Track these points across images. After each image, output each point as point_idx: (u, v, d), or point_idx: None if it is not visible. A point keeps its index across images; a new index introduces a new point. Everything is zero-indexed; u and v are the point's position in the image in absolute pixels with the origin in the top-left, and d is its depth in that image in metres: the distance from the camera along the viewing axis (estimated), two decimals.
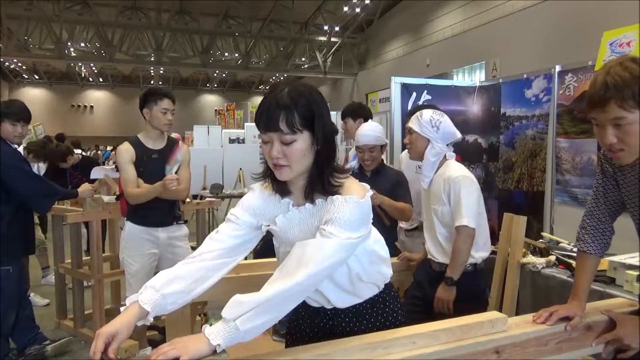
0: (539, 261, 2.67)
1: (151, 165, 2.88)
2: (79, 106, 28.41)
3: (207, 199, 5.01)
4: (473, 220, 2.14)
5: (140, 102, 2.90)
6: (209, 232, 1.35)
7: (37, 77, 26.32)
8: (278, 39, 19.06)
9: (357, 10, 15.65)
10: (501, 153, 4.05)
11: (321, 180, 1.24)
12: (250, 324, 1.08)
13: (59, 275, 3.91)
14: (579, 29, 8.05)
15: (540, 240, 3.12)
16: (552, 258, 2.70)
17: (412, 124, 2.29)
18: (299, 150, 1.20)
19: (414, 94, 4.10)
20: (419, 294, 2.36)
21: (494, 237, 3.17)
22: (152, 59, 19.17)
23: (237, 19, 18.05)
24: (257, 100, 24.32)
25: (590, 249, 1.55)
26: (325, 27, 17.60)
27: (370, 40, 18.46)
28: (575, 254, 2.06)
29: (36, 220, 4.54)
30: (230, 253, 1.30)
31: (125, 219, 3.03)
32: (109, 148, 19.54)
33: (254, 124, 1.25)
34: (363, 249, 1.29)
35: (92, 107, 28.68)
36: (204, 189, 6.67)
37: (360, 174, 2.71)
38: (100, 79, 27.40)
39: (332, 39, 18.05)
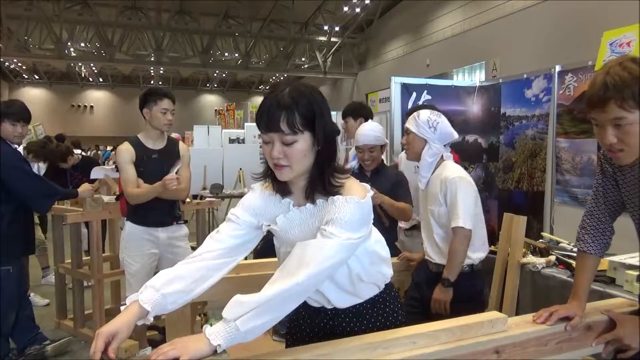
0: (539, 261, 2.67)
1: (151, 165, 2.88)
2: (79, 106, 28.41)
3: (207, 199, 5.01)
4: (469, 222, 2.14)
5: (140, 102, 2.90)
6: (209, 232, 1.35)
7: (37, 77, 26.32)
8: (278, 39, 19.06)
9: (357, 10, 15.65)
10: (501, 153, 4.05)
11: (322, 181, 1.24)
12: (251, 324, 1.08)
13: (59, 275, 3.91)
14: (579, 29, 8.05)
15: (540, 240, 3.12)
16: (552, 258, 2.70)
17: (410, 124, 2.29)
18: (300, 150, 1.20)
19: (414, 94, 4.10)
20: (417, 295, 2.36)
21: (494, 237, 3.17)
22: (152, 59, 19.17)
23: (237, 19, 18.06)
24: (257, 100, 24.33)
25: (590, 249, 1.55)
26: (325, 27, 17.60)
27: (370, 40, 18.46)
28: (575, 254, 2.06)
29: (36, 220, 4.54)
30: (231, 253, 1.30)
31: (125, 219, 3.03)
32: (109, 148, 19.53)
33: (254, 124, 1.26)
34: (364, 249, 1.29)
35: (92, 107, 28.68)
36: (204, 189, 6.67)
37: (360, 174, 2.71)
38: (100, 79, 27.39)
39: (332, 39, 18.05)
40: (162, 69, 22.60)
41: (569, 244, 2.89)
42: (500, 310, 2.58)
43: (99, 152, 18.89)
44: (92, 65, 22.99)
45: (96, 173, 4.37)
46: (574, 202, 3.45)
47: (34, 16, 15.79)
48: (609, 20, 5.57)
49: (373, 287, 1.38)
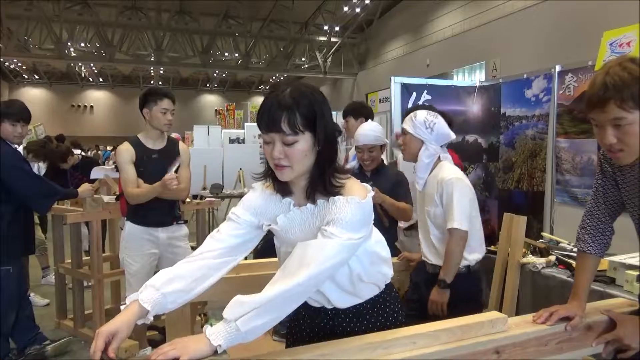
0: (539, 261, 2.67)
1: (151, 165, 2.88)
2: (79, 106, 28.42)
3: (207, 199, 5.01)
4: (465, 223, 2.13)
5: (140, 102, 2.90)
6: (209, 232, 1.35)
7: (37, 77, 26.33)
8: (278, 39, 19.07)
9: (357, 10, 15.66)
10: (501, 153, 4.05)
11: (322, 181, 1.24)
12: (252, 324, 1.08)
13: (59, 275, 3.90)
14: (579, 29, 8.06)
15: (540, 240, 3.12)
16: (552, 258, 2.70)
17: (406, 125, 2.28)
18: (301, 150, 1.20)
19: (414, 94, 4.10)
20: (415, 296, 2.36)
21: (494, 237, 3.17)
22: (152, 59, 19.18)
23: (237, 19, 18.06)
24: (257, 100, 24.33)
25: (590, 249, 1.55)
26: (325, 27, 17.61)
27: (370, 40, 18.46)
28: (575, 254, 2.06)
29: (36, 220, 4.54)
30: (231, 252, 1.30)
31: (125, 219, 3.03)
32: (109, 148, 19.52)
33: (254, 124, 1.26)
34: (364, 250, 1.29)
35: (92, 107, 28.69)
36: (204, 189, 6.67)
37: (360, 174, 2.71)
38: (100, 79, 27.40)
39: (332, 39, 18.06)
40: (162, 69, 22.61)
41: (569, 244, 2.89)
42: (500, 310, 2.59)
43: (99, 152, 18.88)
44: (92, 65, 23.00)
45: (96, 173, 4.37)
46: (574, 202, 3.45)
47: (34, 16, 15.80)
48: (609, 20, 5.57)
49: (373, 287, 1.38)
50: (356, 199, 1.20)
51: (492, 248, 3.08)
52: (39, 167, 5.13)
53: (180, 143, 3.13)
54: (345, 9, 15.75)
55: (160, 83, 25.26)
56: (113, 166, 5.20)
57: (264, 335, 1.44)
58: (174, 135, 4.54)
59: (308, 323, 1.42)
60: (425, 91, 4.13)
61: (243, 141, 8.04)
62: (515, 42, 10.04)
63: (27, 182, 2.97)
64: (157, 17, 17.37)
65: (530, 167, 3.78)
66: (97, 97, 28.90)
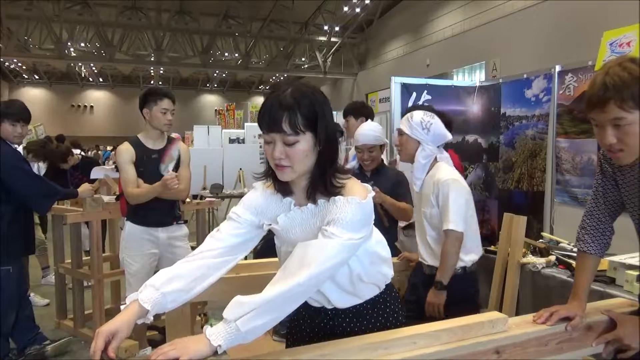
0: (539, 261, 2.67)
1: (151, 165, 2.88)
2: (79, 106, 28.42)
3: (207, 199, 5.01)
4: (461, 224, 2.13)
5: (140, 102, 2.90)
6: (209, 232, 1.35)
7: (37, 77, 26.32)
8: (278, 39, 19.07)
9: (357, 10, 15.66)
10: (501, 153, 4.05)
11: (323, 181, 1.24)
12: (252, 324, 1.08)
13: (59, 275, 3.90)
14: (579, 29, 8.06)
15: (540, 240, 3.12)
16: (552, 258, 2.70)
17: (403, 125, 2.28)
18: (302, 151, 1.20)
19: (414, 94, 4.10)
20: (413, 297, 2.35)
21: (494, 237, 3.17)
22: (152, 59, 19.18)
23: (237, 19, 18.06)
24: (257, 100, 24.35)
25: (590, 249, 1.55)
26: (325, 27, 17.61)
27: (370, 40, 18.46)
28: (575, 254, 2.06)
29: (36, 220, 4.54)
30: (231, 251, 1.30)
31: (125, 219, 3.03)
32: (109, 148, 19.53)
33: (254, 124, 1.26)
34: (364, 250, 1.29)
35: (92, 107, 28.69)
36: (204, 189, 6.67)
37: (360, 174, 2.70)
38: (100, 79, 27.40)
39: (332, 39, 18.07)
40: (162, 69, 22.61)
41: (569, 244, 2.89)
42: (500, 310, 2.59)
43: (99, 152, 18.89)
44: (92, 65, 23.01)
45: (96, 173, 4.37)
46: (574, 202, 3.45)
47: (34, 16, 15.80)
48: (609, 20, 5.57)
49: (373, 287, 1.38)
50: (357, 199, 1.20)
51: (492, 248, 3.08)
52: (39, 167, 5.13)
53: (181, 143, 3.13)
54: (345, 9, 15.76)
55: (160, 83, 25.25)
56: (113, 166, 5.21)
57: (264, 335, 1.44)
58: (174, 135, 4.54)
59: (308, 323, 1.42)
60: (425, 91, 4.13)
61: (243, 141, 8.03)
62: (515, 42, 10.04)
63: (27, 182, 2.97)
64: (157, 17, 17.37)
65: (530, 167, 3.79)
66: (97, 97, 28.90)
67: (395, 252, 2.62)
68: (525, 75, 3.90)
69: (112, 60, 18.61)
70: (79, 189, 3.47)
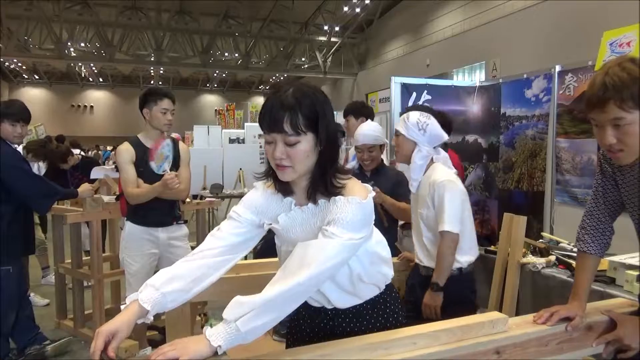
0: (539, 261, 2.67)
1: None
2: (79, 106, 28.43)
3: (207, 199, 5.01)
4: (456, 226, 2.12)
5: (140, 102, 2.90)
6: (209, 232, 1.35)
7: (37, 77, 26.33)
8: (278, 39, 19.07)
9: (357, 10, 15.66)
10: (501, 153, 4.05)
11: (324, 181, 1.24)
12: (252, 324, 1.08)
13: (59, 275, 3.91)
14: (579, 29, 8.06)
15: (540, 240, 3.12)
16: (552, 258, 2.70)
17: (399, 126, 2.27)
18: (303, 151, 1.20)
19: (414, 94, 4.09)
20: (411, 298, 2.35)
21: (494, 237, 3.17)
22: (152, 59, 19.19)
23: (237, 19, 18.07)
24: (257, 100, 24.36)
25: (590, 249, 1.55)
26: (325, 27, 17.61)
27: (370, 40, 18.47)
28: (575, 254, 2.06)
29: (36, 220, 4.54)
30: (232, 250, 1.30)
31: (125, 219, 3.03)
32: (109, 148, 19.54)
33: (254, 124, 1.26)
34: (364, 250, 1.29)
35: (92, 107, 28.69)
36: (204, 189, 6.67)
37: (360, 174, 2.70)
38: (100, 79, 27.40)
39: (332, 39, 18.07)
40: (162, 69, 22.61)
41: (569, 244, 2.89)
42: (500, 310, 2.59)
43: (99, 152, 18.89)
44: (92, 65, 23.01)
45: (96, 173, 4.37)
46: (574, 202, 3.45)
47: (34, 16, 15.80)
48: (609, 20, 5.57)
49: (373, 287, 1.38)
50: (357, 199, 1.20)
51: (492, 248, 3.09)
52: (39, 167, 5.13)
53: (180, 143, 3.13)
54: (345, 9, 15.76)
55: (160, 83, 25.26)
56: (113, 166, 5.20)
57: (264, 335, 1.44)
58: (174, 135, 4.54)
59: (308, 323, 1.42)
60: (425, 91, 4.13)
61: (243, 141, 8.03)
62: (515, 42, 10.04)
63: (27, 182, 2.98)
64: (157, 17, 17.38)
65: (530, 167, 3.78)
66: (97, 97, 28.90)
67: (395, 252, 2.62)
68: (525, 75, 3.90)
69: (112, 60, 18.62)
70: (79, 189, 3.47)
